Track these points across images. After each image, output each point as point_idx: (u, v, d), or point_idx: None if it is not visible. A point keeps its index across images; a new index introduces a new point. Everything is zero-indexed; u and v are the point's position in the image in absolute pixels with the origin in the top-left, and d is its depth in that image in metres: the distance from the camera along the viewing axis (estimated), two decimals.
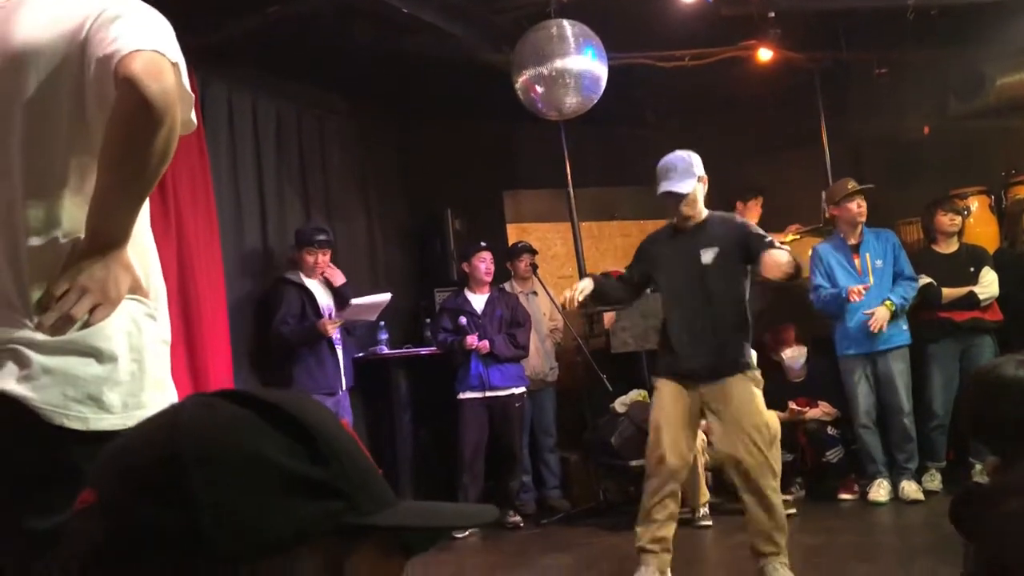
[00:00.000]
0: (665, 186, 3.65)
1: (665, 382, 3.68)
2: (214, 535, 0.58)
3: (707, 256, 3.61)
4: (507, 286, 5.93)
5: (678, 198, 3.64)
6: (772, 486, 3.51)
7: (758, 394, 3.59)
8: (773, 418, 5.02)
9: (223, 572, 0.58)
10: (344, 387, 4.96)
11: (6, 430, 1.34)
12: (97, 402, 1.36)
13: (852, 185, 5.11)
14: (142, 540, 0.58)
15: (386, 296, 5.15)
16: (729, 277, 3.65)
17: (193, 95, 1.47)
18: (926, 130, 6.18)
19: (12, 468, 1.33)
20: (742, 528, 4.58)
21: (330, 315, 4.99)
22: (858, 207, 5.08)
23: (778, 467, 4.94)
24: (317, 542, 0.61)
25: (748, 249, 3.60)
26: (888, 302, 4.97)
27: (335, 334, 4.97)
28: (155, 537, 0.58)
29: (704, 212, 3.72)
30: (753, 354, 3.75)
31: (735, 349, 3.58)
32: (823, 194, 5.87)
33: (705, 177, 3.72)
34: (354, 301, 5.03)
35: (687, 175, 3.63)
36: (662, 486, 3.56)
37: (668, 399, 3.62)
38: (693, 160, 3.69)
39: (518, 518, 5.35)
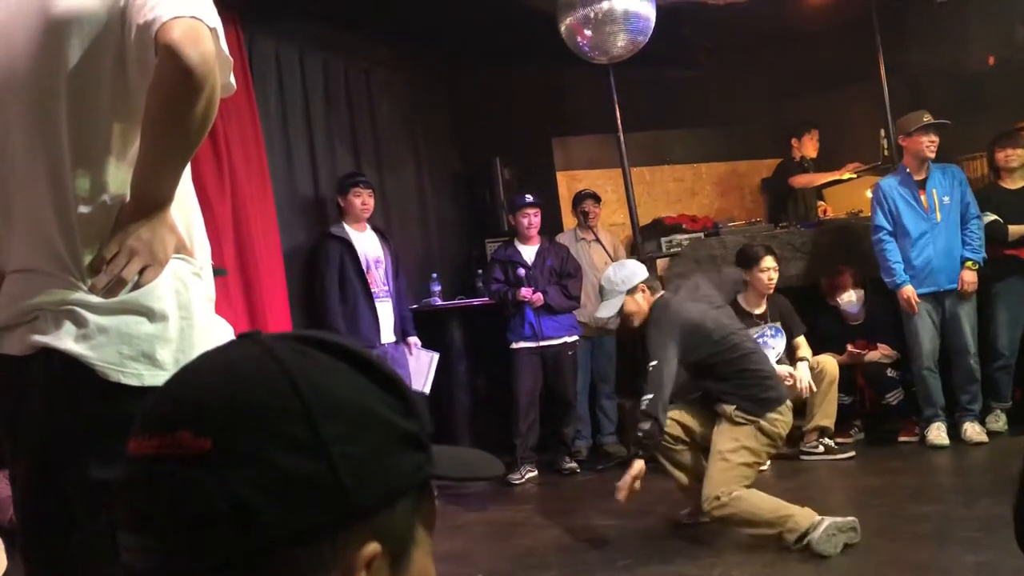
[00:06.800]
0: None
1: None
2: (354, 489, 0.59)
3: None
4: (564, 236, 5.92)
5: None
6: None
7: None
8: (829, 362, 4.98)
9: (357, 526, 0.60)
10: (382, 339, 4.93)
11: (67, 387, 1.39)
12: (150, 359, 1.40)
13: (927, 118, 4.91)
14: (289, 492, 0.58)
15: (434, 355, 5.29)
16: None
17: (231, 59, 1.48)
18: (991, 60, 5.93)
19: (75, 423, 1.37)
20: (797, 471, 4.60)
21: (367, 266, 4.97)
22: (929, 141, 4.91)
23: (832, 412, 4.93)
24: (411, 492, 0.64)
25: None
26: (970, 263, 4.86)
27: (376, 287, 4.97)
28: (304, 490, 0.58)
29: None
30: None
31: None
32: (882, 131, 5.70)
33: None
34: (413, 368, 5.13)
35: (613, 295, 3.72)
36: None
37: None
38: (619, 278, 3.73)
39: (574, 464, 5.39)
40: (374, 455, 0.61)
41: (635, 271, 3.76)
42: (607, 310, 3.73)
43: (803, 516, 3.23)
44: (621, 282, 3.70)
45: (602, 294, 3.77)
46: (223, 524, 0.57)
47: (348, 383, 0.64)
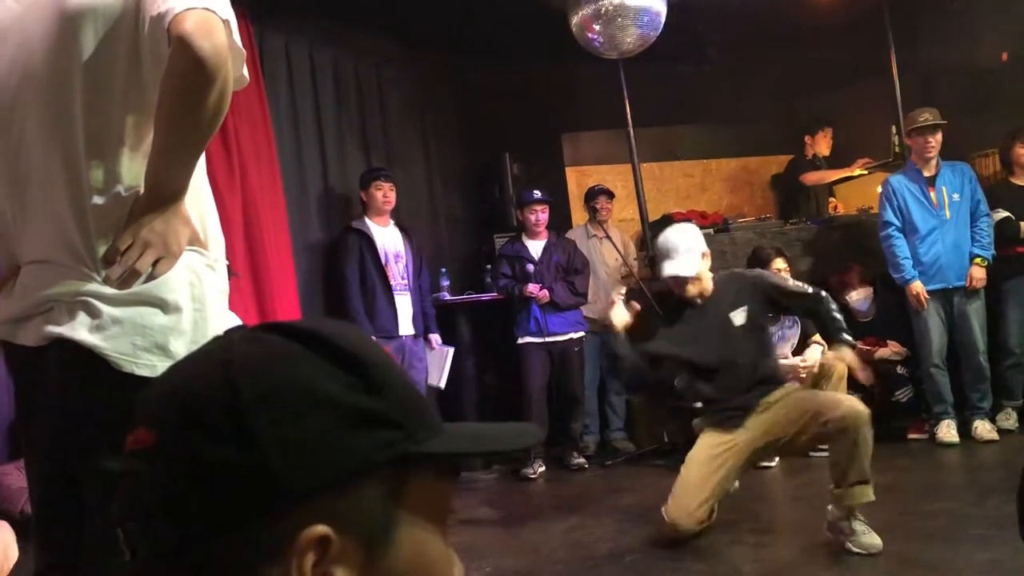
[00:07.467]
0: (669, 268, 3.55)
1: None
2: (283, 474, 0.58)
3: (739, 318, 3.57)
4: (575, 232, 5.91)
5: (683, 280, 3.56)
6: None
7: None
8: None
9: (294, 510, 0.58)
10: (400, 331, 5.00)
11: (81, 378, 1.39)
12: (164, 351, 1.40)
13: (924, 118, 4.90)
14: (214, 482, 0.58)
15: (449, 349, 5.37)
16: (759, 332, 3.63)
17: (244, 51, 1.48)
18: (1004, 56, 5.89)
19: (88, 413, 1.38)
20: (806, 469, 4.58)
21: (386, 259, 5.04)
22: (925, 142, 4.89)
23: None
24: (378, 473, 0.62)
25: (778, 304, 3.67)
26: (979, 259, 4.85)
27: (395, 281, 5.05)
28: (228, 479, 0.58)
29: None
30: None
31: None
32: (893, 127, 5.68)
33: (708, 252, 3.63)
34: (430, 362, 5.21)
35: (693, 253, 3.54)
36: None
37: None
38: (695, 239, 3.59)
39: (582, 459, 5.40)
40: (313, 436, 0.60)
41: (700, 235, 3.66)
42: (688, 267, 3.50)
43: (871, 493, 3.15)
44: (697, 244, 3.57)
45: (670, 253, 3.53)
46: (158, 516, 0.59)
47: (291, 365, 0.62)
